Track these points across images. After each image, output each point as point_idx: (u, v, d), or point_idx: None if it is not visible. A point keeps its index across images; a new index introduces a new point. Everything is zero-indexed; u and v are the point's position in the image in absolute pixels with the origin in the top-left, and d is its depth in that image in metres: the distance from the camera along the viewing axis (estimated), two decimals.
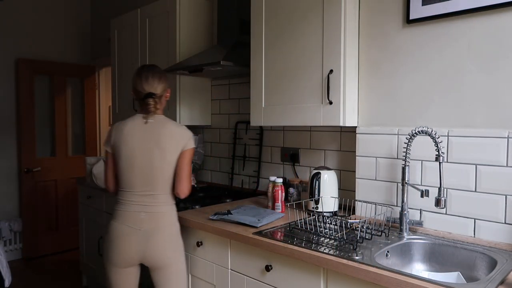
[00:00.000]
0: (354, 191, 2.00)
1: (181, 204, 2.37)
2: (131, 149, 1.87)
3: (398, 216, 1.76)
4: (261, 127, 2.65)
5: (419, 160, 1.75)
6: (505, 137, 1.52)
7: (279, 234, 1.69)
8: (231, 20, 2.54)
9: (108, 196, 2.97)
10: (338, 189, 2.08)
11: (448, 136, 1.67)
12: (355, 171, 1.99)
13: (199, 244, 1.96)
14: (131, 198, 1.88)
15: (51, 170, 4.28)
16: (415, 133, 1.59)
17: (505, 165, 1.52)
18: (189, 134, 1.94)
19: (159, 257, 1.85)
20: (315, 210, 1.97)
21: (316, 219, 1.78)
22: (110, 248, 1.87)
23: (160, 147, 1.86)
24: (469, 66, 1.62)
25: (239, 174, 2.84)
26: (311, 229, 1.71)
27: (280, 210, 2.07)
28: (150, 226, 1.85)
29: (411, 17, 1.74)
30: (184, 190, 1.90)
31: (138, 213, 1.86)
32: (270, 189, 2.11)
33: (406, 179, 1.68)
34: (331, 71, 1.83)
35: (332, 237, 1.62)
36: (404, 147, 1.67)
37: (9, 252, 4.09)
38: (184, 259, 1.94)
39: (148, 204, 1.87)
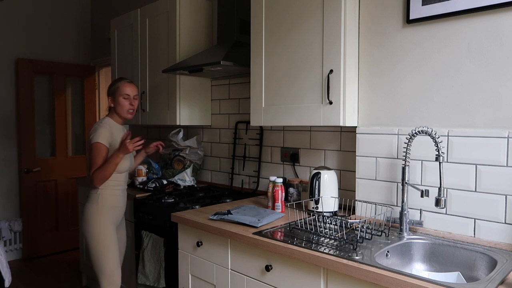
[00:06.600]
0: (354, 191, 2.00)
1: (181, 204, 2.37)
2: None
3: (398, 216, 1.76)
4: (261, 127, 2.65)
5: (419, 160, 1.75)
6: (505, 137, 1.52)
7: (279, 234, 1.69)
8: (231, 20, 2.54)
9: None
10: (338, 189, 2.08)
11: (448, 136, 1.67)
12: (355, 171, 1.99)
13: (199, 244, 1.96)
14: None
15: (51, 170, 4.28)
16: (415, 133, 1.59)
17: (505, 165, 1.52)
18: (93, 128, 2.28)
19: None
20: (315, 210, 1.97)
21: (316, 219, 1.78)
22: None
23: None
24: (469, 66, 1.62)
25: (239, 174, 2.84)
26: (311, 229, 1.71)
27: (280, 210, 2.07)
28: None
29: (411, 17, 1.74)
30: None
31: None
32: (270, 189, 2.11)
33: (406, 179, 1.68)
34: (331, 71, 1.82)
35: (332, 237, 1.62)
36: (404, 147, 1.67)
37: (9, 252, 4.08)
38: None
39: None
